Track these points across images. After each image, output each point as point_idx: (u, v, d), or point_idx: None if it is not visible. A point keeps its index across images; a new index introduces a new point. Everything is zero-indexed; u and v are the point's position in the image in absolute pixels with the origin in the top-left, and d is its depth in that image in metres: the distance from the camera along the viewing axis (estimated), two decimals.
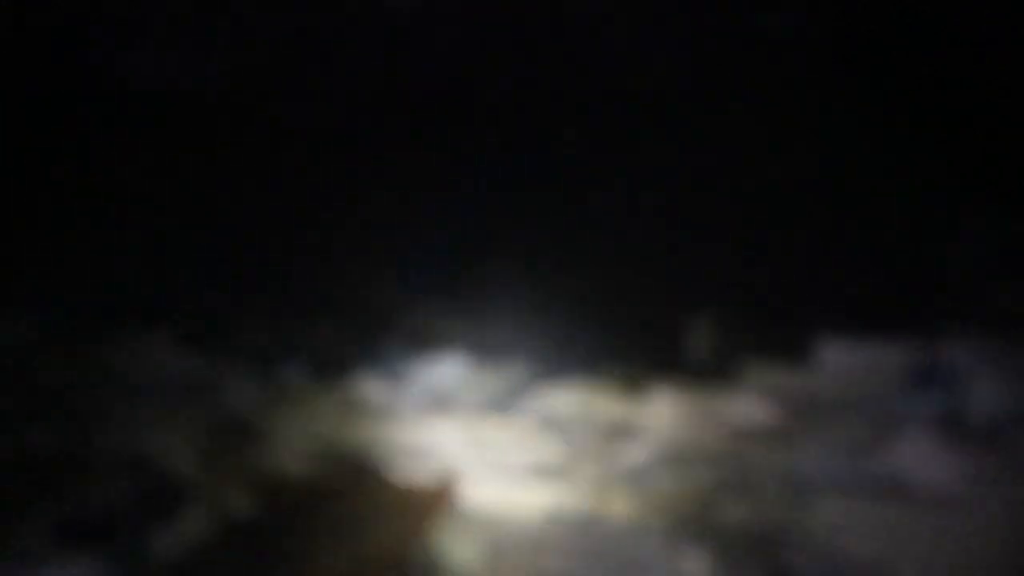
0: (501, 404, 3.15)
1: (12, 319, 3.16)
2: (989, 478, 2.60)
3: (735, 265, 3.32)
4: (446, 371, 3.27)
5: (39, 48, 3.17)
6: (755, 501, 2.69)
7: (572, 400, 3.17)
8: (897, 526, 2.52)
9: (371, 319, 3.25)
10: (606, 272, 3.27)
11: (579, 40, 3.24)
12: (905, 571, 2.40)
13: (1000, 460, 2.66)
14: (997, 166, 3.26)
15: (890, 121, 3.24)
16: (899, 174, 3.28)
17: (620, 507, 2.73)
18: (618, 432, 3.03)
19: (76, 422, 2.87)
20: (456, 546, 2.60)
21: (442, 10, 3.19)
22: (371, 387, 3.19)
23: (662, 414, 3.06)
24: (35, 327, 3.17)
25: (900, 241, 3.38)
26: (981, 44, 3.10)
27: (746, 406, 3.01)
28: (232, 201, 3.22)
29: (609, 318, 3.22)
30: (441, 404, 3.16)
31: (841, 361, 3.10)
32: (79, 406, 2.92)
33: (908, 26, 3.05)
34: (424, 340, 3.25)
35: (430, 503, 2.74)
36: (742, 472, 2.80)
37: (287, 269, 3.29)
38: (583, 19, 3.25)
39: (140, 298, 3.17)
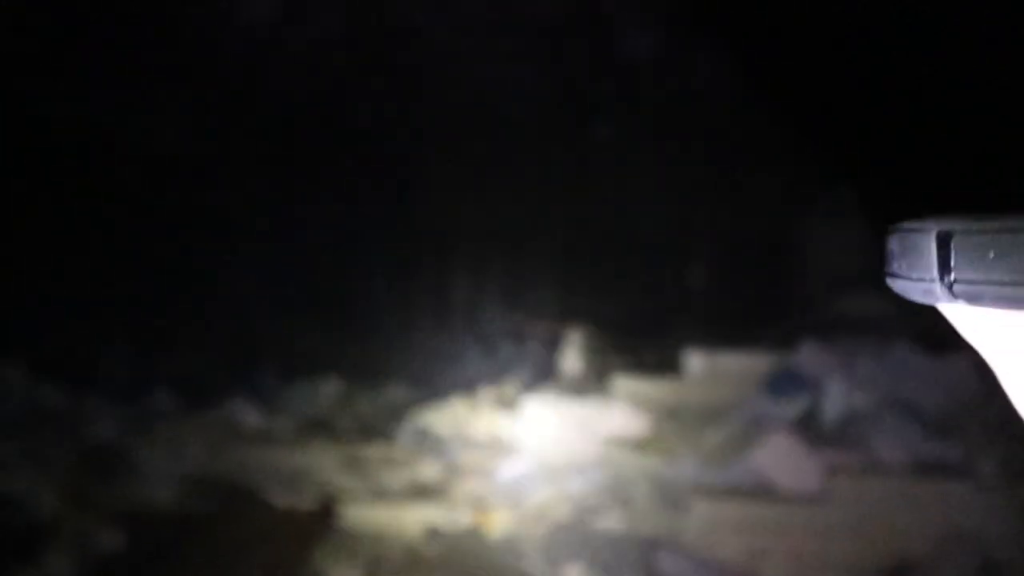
0: (378, 427, 3.14)
1: None
2: (841, 473, 2.78)
3: (605, 287, 3.43)
4: (323, 395, 3.23)
5: None
6: (629, 508, 2.78)
7: (449, 419, 3.18)
8: (762, 524, 2.64)
9: (245, 344, 3.18)
10: (480, 294, 3.31)
11: (443, 68, 3.29)
12: (772, 565, 2.52)
13: (850, 456, 2.84)
14: (837, 188, 3.49)
15: (744, 145, 3.42)
16: (752, 199, 3.47)
17: (498, 521, 2.76)
18: (495, 449, 3.07)
19: None
20: (337, 568, 2.56)
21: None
22: (246, 413, 3.11)
23: (538, 429, 3.12)
24: None
25: (752, 262, 3.58)
26: (828, 64, 3.31)
27: (619, 418, 3.11)
28: (95, 227, 3.10)
29: (484, 338, 3.27)
30: (319, 428, 3.12)
31: (706, 372, 3.24)
32: None
33: (747, 43, 3.23)
34: (300, 365, 3.21)
35: (310, 526, 2.70)
36: (616, 481, 2.88)
37: (154, 294, 3.18)
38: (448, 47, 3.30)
39: None
